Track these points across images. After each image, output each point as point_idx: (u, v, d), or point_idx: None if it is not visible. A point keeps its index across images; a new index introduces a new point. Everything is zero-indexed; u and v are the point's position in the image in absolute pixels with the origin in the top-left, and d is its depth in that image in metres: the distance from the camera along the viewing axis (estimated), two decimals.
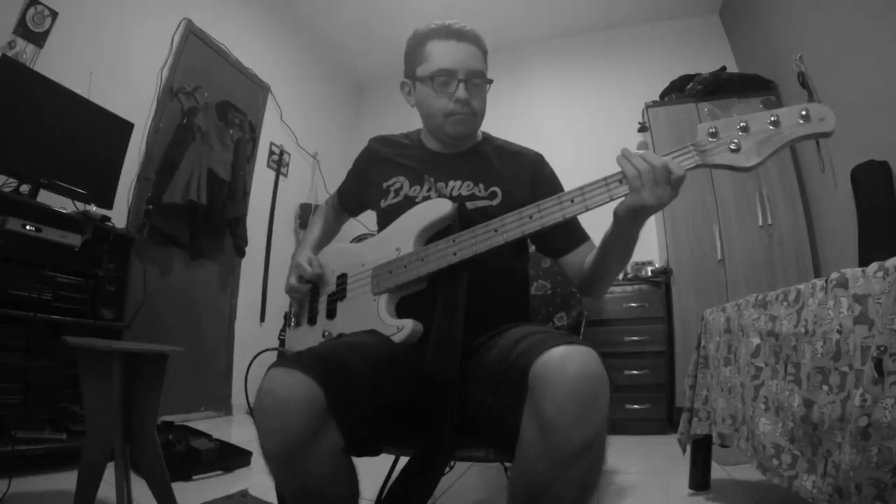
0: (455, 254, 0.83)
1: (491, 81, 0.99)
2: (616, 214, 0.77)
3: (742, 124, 0.72)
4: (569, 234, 0.97)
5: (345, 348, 0.76)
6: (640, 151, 0.74)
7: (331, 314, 0.99)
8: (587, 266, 0.92)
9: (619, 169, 0.74)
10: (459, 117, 0.96)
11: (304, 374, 0.64)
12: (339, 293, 0.99)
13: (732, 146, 0.72)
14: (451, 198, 0.95)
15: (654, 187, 0.71)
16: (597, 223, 0.92)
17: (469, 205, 0.95)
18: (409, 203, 0.97)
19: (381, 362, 0.76)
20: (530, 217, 0.79)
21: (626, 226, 0.78)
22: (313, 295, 1.04)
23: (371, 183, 1.07)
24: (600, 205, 0.76)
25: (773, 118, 0.71)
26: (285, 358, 0.69)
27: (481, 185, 0.97)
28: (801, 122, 0.70)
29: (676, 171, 0.71)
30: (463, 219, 0.90)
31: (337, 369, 0.68)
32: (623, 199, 0.75)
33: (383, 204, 1.02)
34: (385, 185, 1.03)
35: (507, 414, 0.66)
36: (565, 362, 0.60)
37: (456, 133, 0.99)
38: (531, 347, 0.65)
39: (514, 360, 0.68)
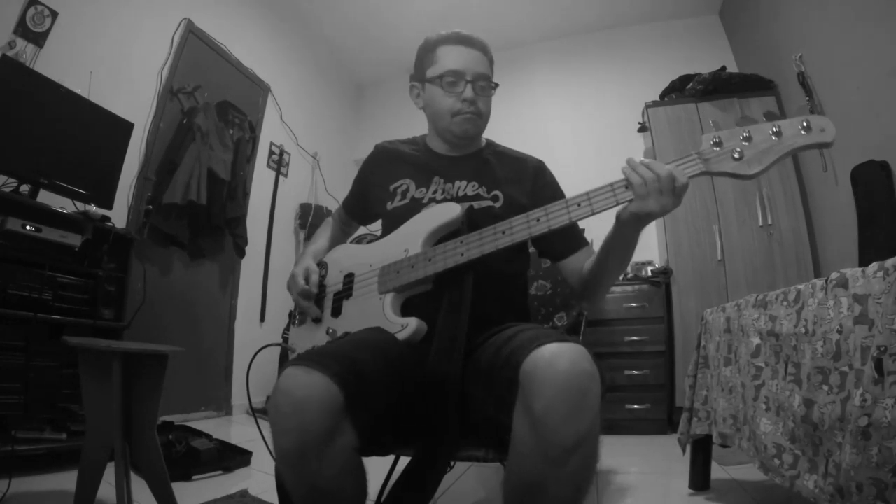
0: (462, 254, 0.83)
1: (496, 86, 1.03)
2: (619, 218, 0.79)
3: (745, 134, 0.75)
4: (570, 238, 0.99)
5: (356, 347, 0.76)
6: (646, 160, 0.76)
7: (336, 312, 0.99)
8: (587, 270, 0.94)
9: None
10: (466, 116, 0.99)
11: (322, 373, 0.63)
12: (346, 292, 0.99)
13: (736, 155, 0.75)
14: (457, 198, 0.98)
15: (660, 196, 0.73)
16: (603, 227, 0.92)
17: (475, 205, 0.96)
18: (415, 205, 0.98)
19: (391, 360, 0.77)
20: (538, 220, 0.80)
21: (628, 228, 0.80)
22: (319, 294, 1.04)
23: (377, 186, 1.08)
24: (606, 209, 0.78)
25: (774, 129, 0.74)
26: (302, 357, 0.68)
27: (484, 188, 1.00)
28: (803, 132, 0.74)
29: (680, 179, 0.73)
30: (468, 220, 0.90)
31: (352, 368, 0.68)
32: (627, 203, 0.77)
33: (389, 206, 1.02)
34: (391, 187, 1.04)
35: (500, 411, 0.66)
36: (555, 359, 0.60)
37: (462, 132, 1.01)
38: (522, 344, 0.65)
39: (506, 358, 0.68)
